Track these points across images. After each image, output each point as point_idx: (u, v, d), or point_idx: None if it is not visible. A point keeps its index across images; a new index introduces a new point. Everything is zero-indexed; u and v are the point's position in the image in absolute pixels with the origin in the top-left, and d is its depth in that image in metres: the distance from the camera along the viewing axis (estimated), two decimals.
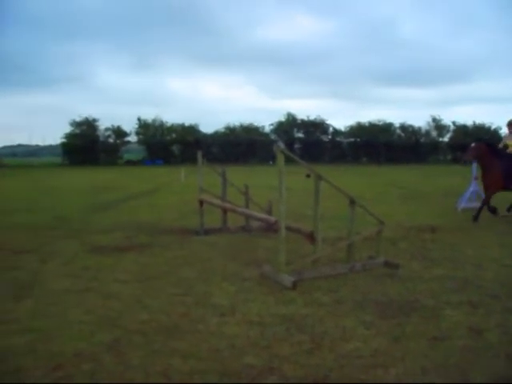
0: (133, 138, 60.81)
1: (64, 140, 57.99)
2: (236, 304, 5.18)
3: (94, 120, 58.73)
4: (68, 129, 58.30)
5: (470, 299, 5.32)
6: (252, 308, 5.05)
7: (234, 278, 6.23)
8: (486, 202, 11.05)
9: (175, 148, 60.70)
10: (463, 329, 4.50)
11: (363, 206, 6.75)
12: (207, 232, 9.39)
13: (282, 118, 62.46)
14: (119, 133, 59.42)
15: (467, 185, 13.30)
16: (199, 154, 9.63)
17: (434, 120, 61.31)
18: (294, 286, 5.66)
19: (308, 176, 20.54)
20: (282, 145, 5.86)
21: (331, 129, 62.22)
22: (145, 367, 3.69)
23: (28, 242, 8.64)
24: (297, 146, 59.93)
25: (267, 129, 62.71)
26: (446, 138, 61.23)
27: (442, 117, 61.84)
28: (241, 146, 58.50)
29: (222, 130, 62.25)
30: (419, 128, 61.42)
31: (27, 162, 64.07)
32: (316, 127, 61.60)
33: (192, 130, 60.36)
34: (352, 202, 6.59)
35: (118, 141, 59.85)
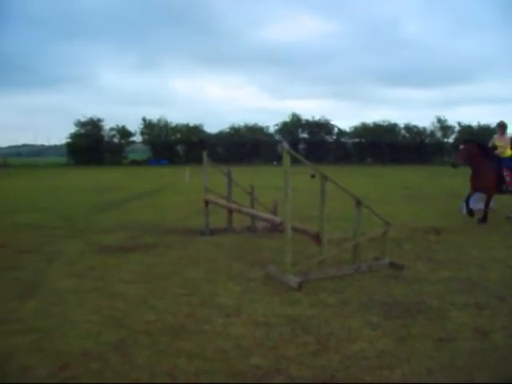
0: (138, 138, 60.86)
1: (69, 140, 58.04)
2: (241, 304, 5.18)
3: (99, 120, 58.77)
4: (73, 129, 58.41)
5: (475, 301, 5.31)
6: (257, 308, 5.05)
7: (239, 278, 6.23)
8: (488, 207, 10.80)
9: (180, 148, 60.68)
10: (469, 330, 4.49)
11: (369, 206, 6.74)
12: (212, 232, 9.40)
13: (287, 119, 62.39)
14: (124, 133, 59.45)
15: None
16: (204, 154, 9.62)
17: (439, 121, 61.10)
18: (300, 286, 5.66)
19: (313, 176, 20.50)
20: (286, 145, 5.86)
21: (336, 129, 62.12)
22: (151, 367, 3.70)
23: (33, 242, 8.66)
24: (301, 146, 59.75)
25: (272, 129, 62.67)
26: (450, 139, 61.03)
27: (446, 117, 61.64)
28: (245, 146, 58.44)
29: (227, 130, 62.23)
30: (424, 128, 61.22)
31: (32, 162, 64.14)
32: (320, 128, 61.46)
33: (196, 130, 60.32)
34: (358, 203, 6.59)
35: (122, 141, 59.88)
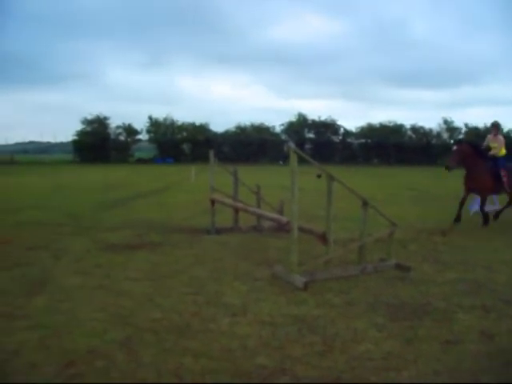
0: (144, 136, 60.98)
1: (75, 137, 58.24)
2: (247, 304, 5.18)
3: (105, 118, 58.88)
4: (79, 126, 58.57)
5: (482, 303, 5.29)
6: (263, 308, 5.05)
7: (245, 277, 6.23)
8: (483, 209, 10.58)
9: (186, 147, 60.73)
10: (475, 333, 4.48)
11: (375, 207, 6.72)
12: (218, 231, 9.40)
13: (293, 118, 62.33)
14: (130, 131, 59.55)
15: None
16: (211, 153, 9.63)
17: (446, 122, 60.89)
18: (306, 286, 5.65)
19: (319, 176, 20.46)
20: (292, 145, 5.85)
21: (342, 129, 62.00)
22: (157, 366, 3.71)
23: (39, 239, 8.70)
24: (307, 146, 59.60)
25: (278, 129, 62.63)
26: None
27: (453, 118, 61.39)
28: (251, 145, 58.40)
29: (233, 130, 62.24)
30: (430, 130, 61.02)
31: (38, 159, 64.35)
32: (327, 128, 61.33)
33: (202, 128, 60.35)
34: (365, 204, 6.57)
35: (128, 139, 59.98)
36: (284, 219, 7.13)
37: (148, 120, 60.22)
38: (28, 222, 10.69)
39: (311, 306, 5.13)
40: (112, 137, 59.03)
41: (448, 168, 10.15)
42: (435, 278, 6.32)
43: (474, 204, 12.56)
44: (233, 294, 5.54)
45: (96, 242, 8.52)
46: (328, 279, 6.12)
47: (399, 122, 61.85)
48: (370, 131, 60.79)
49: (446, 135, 61.18)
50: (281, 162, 52.20)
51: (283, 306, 5.15)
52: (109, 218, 11.38)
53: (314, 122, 61.52)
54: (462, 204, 10.53)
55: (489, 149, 10.89)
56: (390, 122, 61.40)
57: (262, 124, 62.04)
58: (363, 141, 61.54)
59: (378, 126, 61.18)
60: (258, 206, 9.50)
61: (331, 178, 6.11)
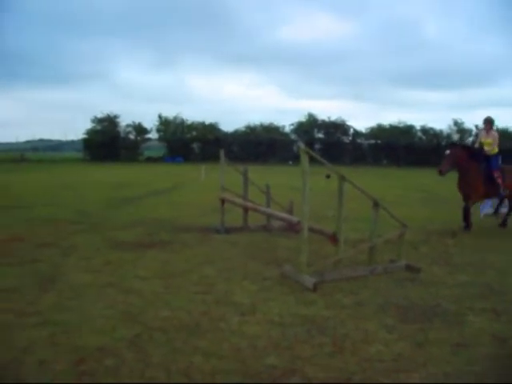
0: (153, 135, 61.27)
1: (85, 136, 58.59)
2: (257, 303, 5.17)
3: (116, 116, 59.26)
4: (90, 125, 58.89)
5: (493, 306, 5.25)
6: (273, 308, 5.04)
7: (254, 277, 6.22)
8: (466, 213, 10.20)
9: (195, 146, 60.91)
10: (486, 336, 4.44)
11: (386, 208, 6.69)
12: (228, 230, 9.40)
13: (303, 118, 62.37)
14: (140, 129, 59.86)
15: None
16: (222, 153, 9.62)
17: (456, 123, 60.63)
18: (315, 287, 5.63)
19: (328, 177, 20.45)
20: (302, 145, 5.83)
21: (352, 130, 61.92)
22: (166, 365, 3.70)
23: (50, 236, 8.74)
24: (317, 146, 59.65)
25: (287, 129, 62.69)
26: (467, 142, 60.51)
27: (463, 120, 61.22)
28: (261, 145, 58.47)
29: (243, 129, 62.34)
30: (440, 131, 60.82)
31: (49, 157, 64.77)
32: (337, 128, 61.32)
33: (212, 128, 60.57)
34: (375, 205, 6.54)
35: (138, 137, 60.31)
36: (295, 219, 7.11)
37: (158, 119, 60.48)
38: (39, 219, 10.74)
39: (320, 307, 5.11)
40: (122, 135, 59.32)
41: (441, 173, 9.82)
42: (446, 280, 6.28)
43: (485, 206, 12.49)
44: (242, 293, 5.53)
45: (106, 239, 8.54)
46: (337, 280, 6.09)
47: (409, 122, 61.74)
48: (379, 132, 60.70)
49: (456, 137, 60.90)
50: (290, 162, 52.18)
51: (292, 306, 5.13)
52: (119, 216, 11.42)
53: (323, 122, 61.53)
54: (467, 213, 10.21)
55: (482, 146, 10.46)
56: (399, 123, 61.32)
57: (272, 124, 62.21)
58: (373, 141, 61.46)
59: (387, 126, 61.11)
60: (268, 206, 9.49)
61: (343, 179, 6.08)
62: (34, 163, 49.63)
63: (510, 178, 10.35)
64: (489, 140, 10.41)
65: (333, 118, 61.51)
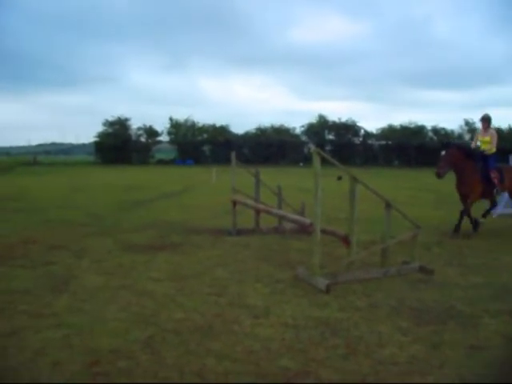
0: (164, 138, 61.36)
1: (97, 139, 58.83)
2: (270, 306, 5.16)
3: (127, 119, 59.41)
4: (101, 128, 59.15)
5: (508, 308, 5.19)
6: (286, 310, 5.03)
7: (267, 279, 6.21)
8: (464, 215, 9.90)
9: (206, 148, 60.96)
10: (502, 338, 4.40)
11: (399, 209, 6.65)
12: (239, 232, 9.40)
13: (313, 120, 62.19)
14: (151, 132, 59.98)
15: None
16: (233, 155, 9.63)
17: (467, 123, 60.18)
18: (328, 289, 5.61)
19: (339, 178, 20.37)
20: (312, 146, 5.82)
21: (362, 131, 61.66)
22: (180, 367, 3.70)
23: (62, 238, 8.79)
24: (328, 148, 59.43)
25: (298, 130, 62.52)
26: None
27: (475, 120, 60.66)
28: (271, 147, 58.39)
29: (253, 131, 62.29)
30: (452, 131, 60.38)
31: (61, 160, 65.17)
32: (347, 129, 61.04)
33: (223, 130, 60.56)
34: (388, 206, 6.51)
35: (149, 140, 60.41)
36: (307, 221, 7.08)
37: (169, 121, 60.62)
38: (52, 222, 10.82)
39: (334, 309, 5.09)
40: (133, 138, 59.50)
41: (439, 176, 9.54)
42: (460, 281, 6.23)
43: (498, 206, 12.36)
44: (255, 295, 5.53)
45: (118, 242, 8.57)
46: (350, 282, 6.07)
47: (420, 123, 61.31)
48: (390, 133, 60.35)
49: (467, 137, 60.46)
50: (301, 164, 52.09)
51: (306, 308, 5.12)
52: (130, 219, 11.46)
53: (334, 123, 61.27)
54: (468, 214, 10.03)
55: (479, 147, 10.25)
56: (410, 124, 60.91)
57: (282, 126, 62.02)
58: (384, 142, 61.12)
59: (398, 127, 60.74)
60: (280, 208, 9.47)
61: (355, 180, 6.05)
62: (46, 166, 49.96)
63: (509, 178, 10.19)
64: (486, 138, 10.21)
65: (343, 119, 61.31)
